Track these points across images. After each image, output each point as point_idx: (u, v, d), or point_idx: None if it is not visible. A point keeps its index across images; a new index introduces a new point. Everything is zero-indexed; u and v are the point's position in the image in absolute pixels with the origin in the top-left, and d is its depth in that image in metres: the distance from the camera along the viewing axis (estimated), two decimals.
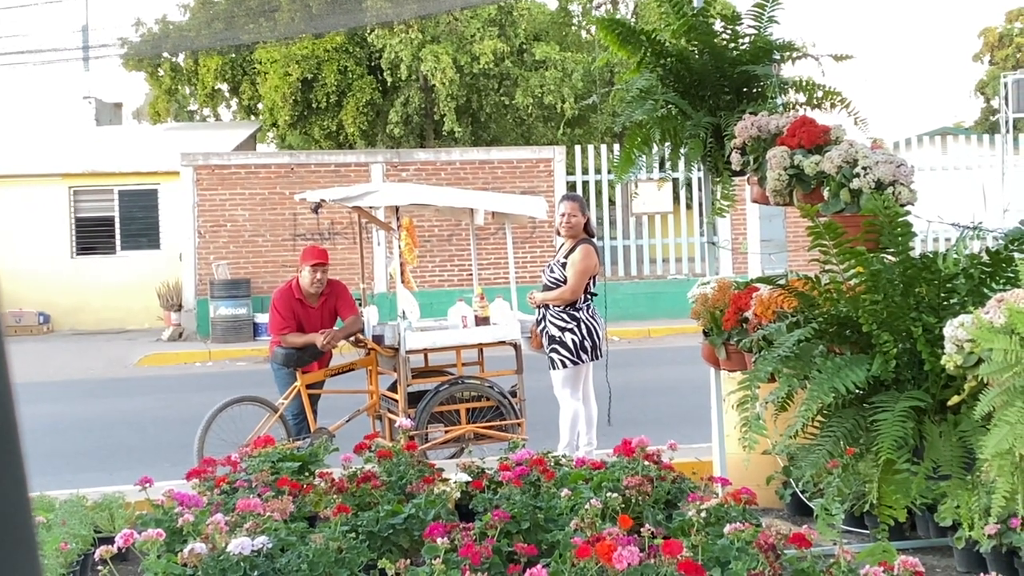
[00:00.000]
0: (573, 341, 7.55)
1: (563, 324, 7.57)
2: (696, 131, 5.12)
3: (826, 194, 4.09)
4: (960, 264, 3.49)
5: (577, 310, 7.60)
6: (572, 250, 7.64)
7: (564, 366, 7.57)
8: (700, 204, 17.55)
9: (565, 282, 7.57)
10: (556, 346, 7.58)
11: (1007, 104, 23.21)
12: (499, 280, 17.94)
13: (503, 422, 8.09)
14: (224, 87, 30.12)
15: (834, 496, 4.15)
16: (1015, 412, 2.73)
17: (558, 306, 7.60)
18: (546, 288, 7.71)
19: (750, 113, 4.81)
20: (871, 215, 3.59)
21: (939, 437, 3.23)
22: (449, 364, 8.43)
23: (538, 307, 7.75)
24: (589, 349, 7.60)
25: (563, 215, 7.71)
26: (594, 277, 7.72)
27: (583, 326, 7.58)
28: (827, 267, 3.54)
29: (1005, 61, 39.45)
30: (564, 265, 7.62)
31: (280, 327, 7.96)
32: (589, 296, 7.71)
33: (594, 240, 7.84)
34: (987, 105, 42.03)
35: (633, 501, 5.12)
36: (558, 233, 7.92)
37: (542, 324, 7.69)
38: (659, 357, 14.50)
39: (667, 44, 5.20)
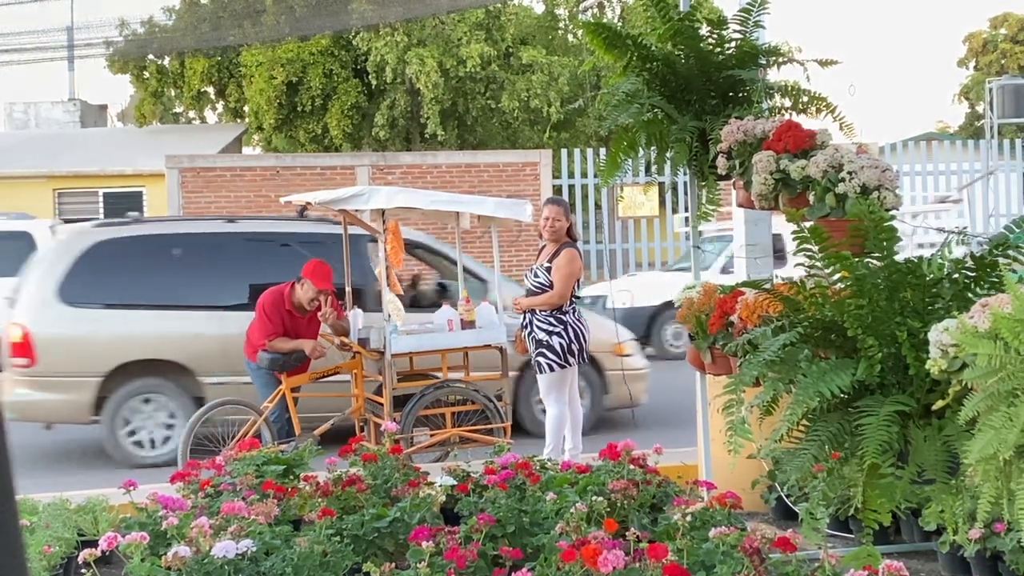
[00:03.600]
0: (560, 345, 7.54)
1: (550, 328, 7.56)
2: (682, 135, 5.12)
3: (812, 198, 4.10)
4: (945, 269, 3.50)
5: (564, 314, 7.60)
6: (556, 254, 7.64)
7: (551, 370, 7.57)
8: (686, 208, 17.56)
9: (549, 286, 7.57)
10: (543, 350, 7.57)
11: (992, 109, 23.33)
12: None
13: (489, 426, 8.08)
14: (210, 90, 30.03)
15: (819, 500, 4.15)
16: (999, 417, 2.74)
17: (544, 310, 7.59)
18: (529, 293, 7.71)
19: (736, 117, 4.81)
20: (856, 219, 3.60)
21: (924, 441, 3.24)
22: (435, 368, 8.42)
23: (523, 312, 7.73)
24: (576, 352, 7.60)
25: (546, 219, 7.71)
26: (579, 280, 7.73)
27: (570, 329, 7.57)
28: (812, 271, 3.55)
29: (989, 67, 39.64)
30: (548, 270, 7.61)
31: (268, 332, 7.89)
32: (574, 300, 7.71)
33: (577, 244, 7.84)
34: (972, 110, 42.21)
35: (618, 505, 5.11)
36: (540, 237, 7.91)
37: (528, 328, 7.68)
38: None
39: (653, 48, 5.20)
